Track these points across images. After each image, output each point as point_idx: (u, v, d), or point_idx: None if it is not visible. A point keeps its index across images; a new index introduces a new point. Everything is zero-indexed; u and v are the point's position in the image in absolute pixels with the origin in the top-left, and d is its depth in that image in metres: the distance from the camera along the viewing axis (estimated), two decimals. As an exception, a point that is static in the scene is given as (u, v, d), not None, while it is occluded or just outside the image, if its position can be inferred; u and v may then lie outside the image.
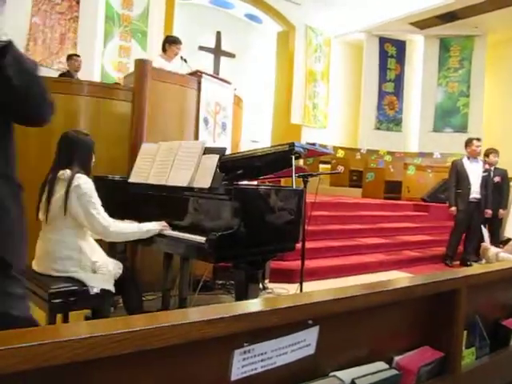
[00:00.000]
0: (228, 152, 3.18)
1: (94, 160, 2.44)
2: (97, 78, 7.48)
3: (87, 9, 7.47)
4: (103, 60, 7.84)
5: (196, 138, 3.89)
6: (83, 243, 2.27)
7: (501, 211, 5.78)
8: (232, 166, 2.72)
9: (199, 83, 3.90)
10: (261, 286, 3.94)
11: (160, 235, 2.39)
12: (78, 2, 7.38)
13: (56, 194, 2.22)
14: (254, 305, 0.87)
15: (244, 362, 0.82)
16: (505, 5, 9.47)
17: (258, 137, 9.91)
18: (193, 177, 2.44)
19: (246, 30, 11.77)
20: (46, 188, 2.27)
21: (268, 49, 11.86)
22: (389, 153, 11.61)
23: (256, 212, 2.28)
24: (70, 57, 6.39)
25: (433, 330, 1.25)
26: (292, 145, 2.59)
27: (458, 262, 5.74)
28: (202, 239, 2.13)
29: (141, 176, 2.80)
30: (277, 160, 2.80)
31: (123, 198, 2.84)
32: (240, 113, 4.83)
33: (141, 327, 0.69)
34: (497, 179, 5.81)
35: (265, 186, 2.56)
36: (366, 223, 6.43)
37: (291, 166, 2.61)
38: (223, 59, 11.44)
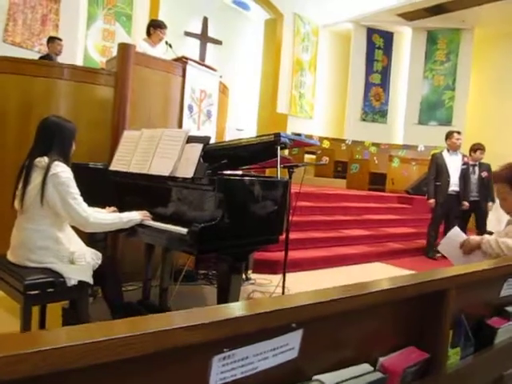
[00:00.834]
0: (213, 140, 3.12)
1: (73, 148, 2.35)
2: (79, 62, 7.29)
3: (69, -10, 7.25)
4: (86, 42, 7.65)
5: (180, 125, 3.81)
6: (60, 233, 2.19)
7: (490, 204, 5.88)
8: (216, 156, 2.66)
9: (184, 69, 3.82)
10: (244, 276, 3.91)
11: (141, 225, 2.33)
12: (60, -17, 7.15)
13: (32, 182, 2.12)
14: (236, 309, 0.82)
15: (223, 367, 0.78)
16: (492, -1, 9.50)
17: (243, 125, 9.81)
18: (175, 166, 2.37)
19: (233, 16, 11.61)
20: (23, 175, 2.18)
21: (255, 36, 11.72)
22: (374, 144, 11.63)
23: (240, 203, 2.22)
24: (51, 39, 6.16)
25: (418, 331, 1.22)
26: (278, 135, 2.55)
27: (440, 255, 5.79)
28: (184, 230, 2.07)
29: (122, 164, 2.72)
30: (262, 150, 2.76)
31: (104, 187, 2.76)
32: (225, 101, 4.76)
33: (116, 335, 0.63)
34: (484, 174, 5.88)
35: (249, 177, 2.51)
36: (350, 215, 6.44)
37: (276, 156, 2.57)
38: (209, 46, 11.27)
